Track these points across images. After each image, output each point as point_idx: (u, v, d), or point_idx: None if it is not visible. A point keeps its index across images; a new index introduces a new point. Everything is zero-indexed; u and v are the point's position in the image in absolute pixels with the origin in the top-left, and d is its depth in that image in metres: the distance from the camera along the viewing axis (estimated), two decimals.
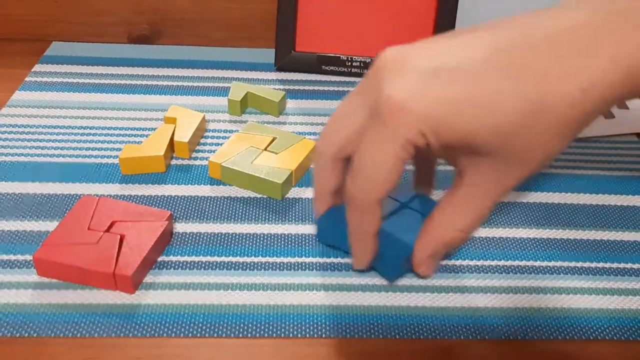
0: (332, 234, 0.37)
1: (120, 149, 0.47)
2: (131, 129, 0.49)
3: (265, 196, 0.43)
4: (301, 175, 0.45)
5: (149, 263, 0.37)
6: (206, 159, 0.46)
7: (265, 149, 0.45)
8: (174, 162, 0.46)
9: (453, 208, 0.33)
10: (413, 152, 0.30)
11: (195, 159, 0.46)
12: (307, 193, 0.43)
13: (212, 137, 0.49)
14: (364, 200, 0.31)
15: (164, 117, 0.48)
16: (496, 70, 0.28)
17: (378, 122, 0.29)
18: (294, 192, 0.43)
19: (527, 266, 0.39)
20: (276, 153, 0.44)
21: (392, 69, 0.29)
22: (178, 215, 0.41)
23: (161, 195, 0.43)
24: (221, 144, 0.48)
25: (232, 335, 0.33)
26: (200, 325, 0.34)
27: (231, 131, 0.50)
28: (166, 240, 0.39)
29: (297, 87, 0.56)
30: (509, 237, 0.41)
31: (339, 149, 0.33)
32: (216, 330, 0.34)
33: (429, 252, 0.34)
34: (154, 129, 0.49)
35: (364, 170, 0.31)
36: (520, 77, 0.27)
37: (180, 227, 0.40)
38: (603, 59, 0.27)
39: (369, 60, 0.57)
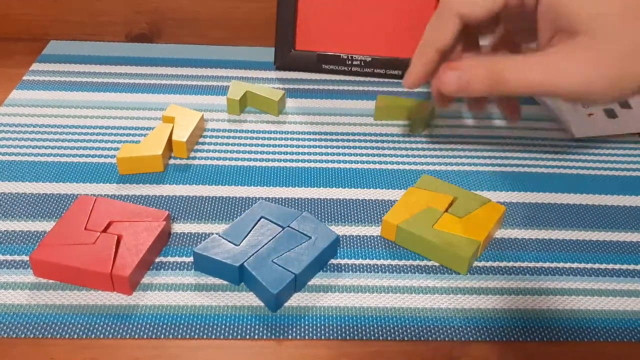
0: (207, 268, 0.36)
1: (117, 149, 0.46)
2: (129, 128, 0.49)
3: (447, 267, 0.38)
4: (486, 246, 0.40)
5: (147, 264, 0.36)
6: (205, 158, 0.46)
7: (446, 211, 0.40)
8: (172, 161, 0.46)
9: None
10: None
11: (194, 158, 0.46)
12: (308, 193, 0.43)
13: (211, 137, 0.49)
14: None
15: (162, 116, 0.48)
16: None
17: None
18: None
19: (528, 267, 0.38)
20: (459, 217, 0.39)
21: None
22: (176, 216, 0.41)
23: (159, 195, 0.42)
24: (220, 144, 0.48)
25: (231, 337, 0.33)
26: (199, 326, 0.33)
27: (230, 130, 0.49)
28: (164, 240, 0.38)
29: (296, 86, 0.56)
30: (509, 238, 0.40)
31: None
32: (215, 331, 0.33)
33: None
34: (152, 128, 0.49)
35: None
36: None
37: (178, 228, 0.40)
38: None
39: (369, 58, 0.56)
